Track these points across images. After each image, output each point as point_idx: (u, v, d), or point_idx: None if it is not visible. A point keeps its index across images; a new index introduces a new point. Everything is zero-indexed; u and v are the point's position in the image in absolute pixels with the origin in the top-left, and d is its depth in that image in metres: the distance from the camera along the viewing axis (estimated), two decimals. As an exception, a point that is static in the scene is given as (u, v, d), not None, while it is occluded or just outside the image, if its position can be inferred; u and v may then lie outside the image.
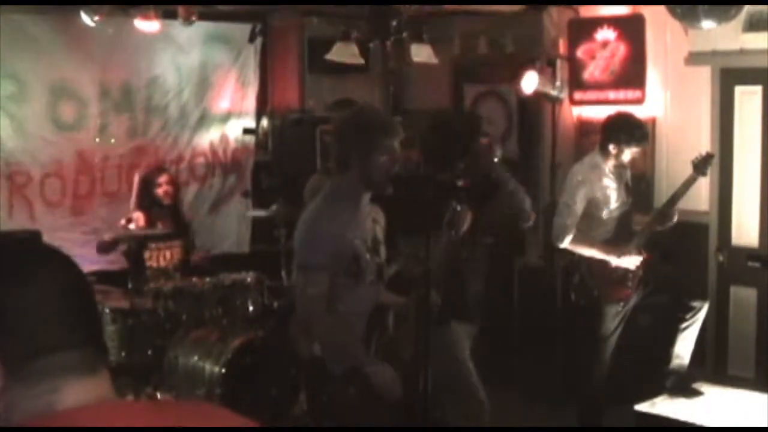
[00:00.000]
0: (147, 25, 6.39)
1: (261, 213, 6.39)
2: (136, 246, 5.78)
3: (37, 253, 1.32)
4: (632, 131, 4.95)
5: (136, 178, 6.37)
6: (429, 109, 6.91)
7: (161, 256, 6.02)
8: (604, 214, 5.00)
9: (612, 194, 5.00)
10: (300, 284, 3.41)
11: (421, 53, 6.39)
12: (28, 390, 1.23)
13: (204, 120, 7.32)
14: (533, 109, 6.97)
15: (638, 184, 5.57)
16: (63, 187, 6.59)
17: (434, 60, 6.48)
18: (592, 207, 4.98)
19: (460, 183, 3.73)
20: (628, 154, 4.96)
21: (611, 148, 4.94)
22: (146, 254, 5.93)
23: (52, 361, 1.23)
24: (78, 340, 1.26)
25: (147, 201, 6.16)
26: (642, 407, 5.03)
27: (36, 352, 1.23)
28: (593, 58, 6.51)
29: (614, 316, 5.02)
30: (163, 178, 6.22)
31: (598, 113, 6.44)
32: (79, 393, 1.24)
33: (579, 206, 4.95)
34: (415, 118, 6.77)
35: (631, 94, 6.33)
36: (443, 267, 3.61)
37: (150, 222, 6.03)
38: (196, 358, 5.09)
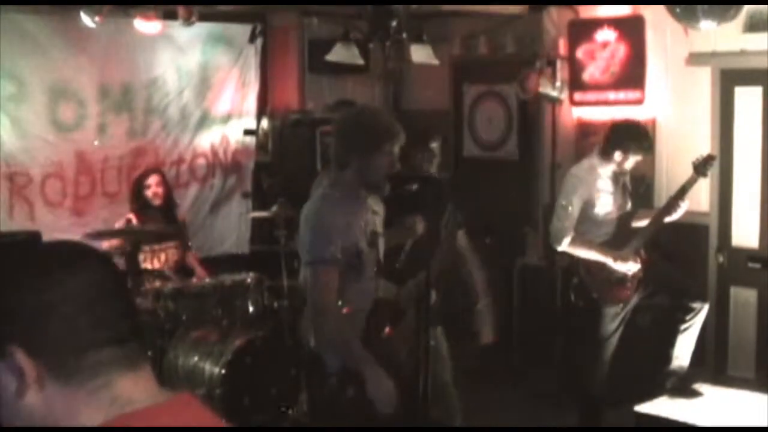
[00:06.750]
0: (147, 25, 6.39)
1: (261, 214, 6.40)
2: (131, 247, 5.77)
3: (72, 251, 1.32)
4: (641, 141, 4.96)
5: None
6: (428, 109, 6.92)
7: (156, 258, 6.02)
8: (601, 216, 5.00)
9: (608, 198, 5.00)
10: (312, 280, 3.36)
11: (421, 53, 6.38)
12: (80, 388, 1.22)
13: (204, 121, 7.32)
14: (533, 109, 6.97)
15: (638, 185, 5.57)
16: (63, 187, 6.59)
17: (434, 60, 6.47)
18: (589, 209, 4.98)
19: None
20: (632, 162, 4.96)
21: (617, 155, 4.92)
22: (141, 256, 5.92)
23: (101, 356, 1.23)
24: (120, 335, 1.26)
25: (139, 202, 6.16)
26: (642, 407, 5.02)
27: (84, 349, 1.22)
28: (593, 58, 6.51)
29: (614, 317, 5.02)
30: (151, 179, 6.18)
31: (598, 114, 6.45)
32: (131, 387, 1.24)
33: (576, 208, 4.94)
34: (414, 119, 6.79)
35: (631, 94, 6.32)
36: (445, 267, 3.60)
37: (143, 224, 6.02)
38: (196, 358, 5.09)
